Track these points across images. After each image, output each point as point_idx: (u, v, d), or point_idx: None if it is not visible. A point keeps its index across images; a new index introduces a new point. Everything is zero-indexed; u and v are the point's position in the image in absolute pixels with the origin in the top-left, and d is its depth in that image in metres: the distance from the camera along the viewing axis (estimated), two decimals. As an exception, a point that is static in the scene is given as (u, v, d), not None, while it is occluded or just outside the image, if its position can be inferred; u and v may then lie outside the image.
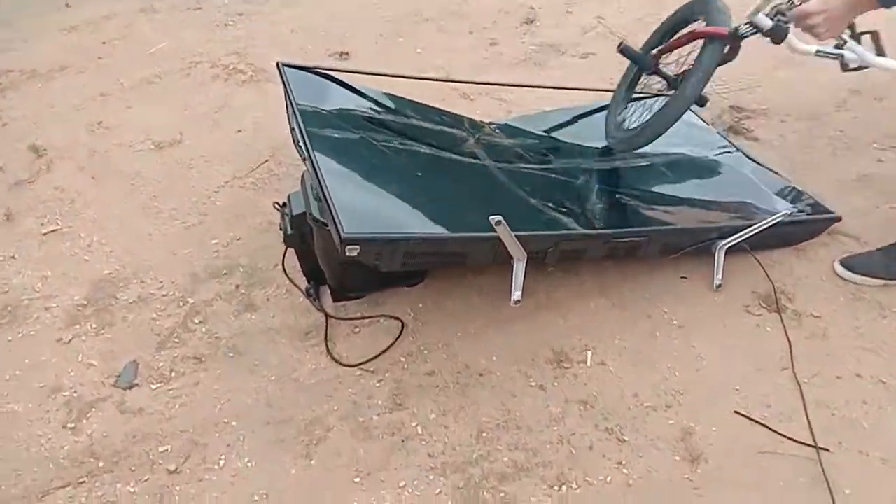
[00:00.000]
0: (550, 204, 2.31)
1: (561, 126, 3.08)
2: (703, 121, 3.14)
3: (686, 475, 1.90)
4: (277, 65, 2.66)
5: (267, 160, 3.21)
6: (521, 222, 2.17)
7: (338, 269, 2.38)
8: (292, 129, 2.35)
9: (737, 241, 2.38)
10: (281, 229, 2.41)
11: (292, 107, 2.39)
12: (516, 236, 1.96)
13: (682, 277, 2.47)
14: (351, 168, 2.18)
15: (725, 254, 2.41)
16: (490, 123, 3.08)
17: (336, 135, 2.35)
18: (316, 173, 2.02)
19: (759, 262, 2.47)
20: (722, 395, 2.09)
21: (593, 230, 2.19)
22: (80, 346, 2.38)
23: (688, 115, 3.15)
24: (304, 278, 2.51)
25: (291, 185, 3.03)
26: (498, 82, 3.35)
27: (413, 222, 2.01)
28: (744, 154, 2.92)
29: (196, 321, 2.44)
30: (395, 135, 2.54)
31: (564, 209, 2.30)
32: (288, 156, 3.23)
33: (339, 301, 2.45)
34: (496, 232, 1.92)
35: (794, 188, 2.71)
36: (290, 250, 2.48)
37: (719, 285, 2.40)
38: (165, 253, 2.74)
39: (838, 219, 2.59)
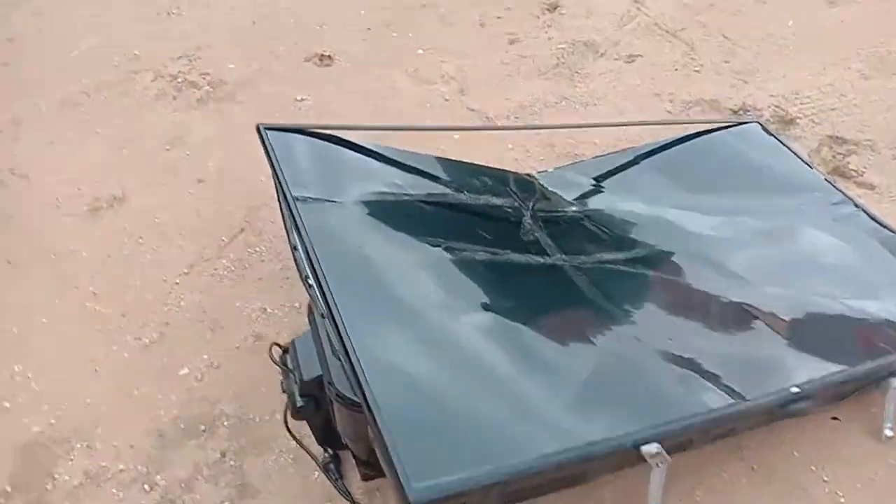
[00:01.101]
0: (676, 351, 1.64)
1: (629, 179, 2.37)
2: (806, 162, 2.46)
3: None
4: (258, 129, 1.87)
5: (242, 229, 2.43)
6: (648, 398, 1.52)
7: (370, 444, 1.68)
8: (294, 249, 1.61)
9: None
10: (284, 391, 1.69)
11: (288, 205, 1.64)
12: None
13: (833, 419, 1.84)
14: (392, 328, 1.48)
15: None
16: (535, 177, 2.35)
17: (360, 254, 1.63)
18: (346, 350, 1.32)
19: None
20: None
21: (752, 400, 1.52)
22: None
23: (785, 155, 2.49)
24: (318, 443, 1.80)
25: (280, 271, 2.28)
26: (541, 125, 2.57)
27: (503, 433, 1.32)
28: (867, 215, 2.26)
29: (170, 518, 1.73)
30: (435, 229, 1.83)
31: (693, 355, 1.64)
32: (269, 219, 2.45)
33: (371, 479, 1.75)
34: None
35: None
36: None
37: (889, 437, 1.78)
38: (117, 392, 1.98)
39: None
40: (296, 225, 1.59)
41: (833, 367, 1.66)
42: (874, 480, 1.72)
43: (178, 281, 2.27)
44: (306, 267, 1.52)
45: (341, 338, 1.35)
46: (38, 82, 3.16)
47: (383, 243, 1.68)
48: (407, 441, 1.18)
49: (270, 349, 1.73)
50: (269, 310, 2.17)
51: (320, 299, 1.44)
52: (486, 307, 1.62)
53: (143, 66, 3.22)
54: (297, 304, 2.16)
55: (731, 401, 1.52)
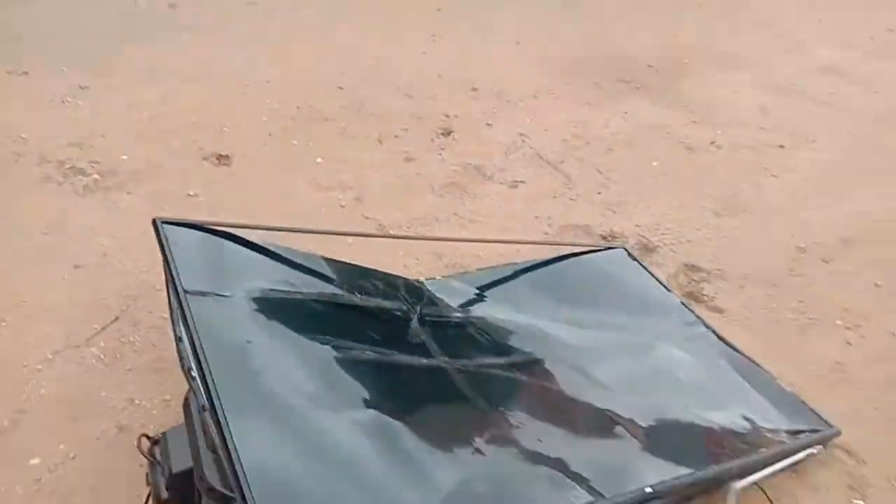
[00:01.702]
0: (544, 451, 1.74)
1: (509, 292, 2.53)
2: (665, 285, 2.72)
3: None
4: (154, 222, 1.86)
5: (117, 318, 2.36)
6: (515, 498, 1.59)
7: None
8: (179, 340, 1.59)
9: (754, 481, 1.92)
10: (149, 483, 1.61)
11: (178, 296, 1.64)
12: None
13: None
14: (273, 425, 1.49)
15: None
16: (424, 284, 2.47)
17: (246, 348, 1.64)
18: (225, 444, 1.30)
19: (767, 496, 2.02)
20: None
21: (611, 498, 1.62)
22: None
23: (647, 278, 2.75)
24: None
25: (153, 362, 2.21)
26: (432, 237, 2.73)
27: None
28: (716, 335, 2.51)
29: None
30: (324, 328, 1.87)
31: (560, 455, 1.73)
32: (147, 310, 2.40)
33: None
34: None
35: (784, 391, 2.32)
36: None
37: (732, 537, 1.91)
38: (-48, 485, 1.81)
39: (838, 433, 2.23)
40: (183, 316, 1.58)
41: (683, 470, 1.80)
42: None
43: (39, 367, 2.15)
44: (190, 358, 1.51)
45: (221, 432, 1.34)
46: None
47: (271, 339, 1.70)
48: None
49: (139, 440, 1.66)
50: (137, 401, 2.08)
51: (202, 392, 1.42)
52: (368, 406, 1.65)
53: (27, 148, 3.16)
54: (167, 398, 2.10)
55: (591, 499, 1.60)
